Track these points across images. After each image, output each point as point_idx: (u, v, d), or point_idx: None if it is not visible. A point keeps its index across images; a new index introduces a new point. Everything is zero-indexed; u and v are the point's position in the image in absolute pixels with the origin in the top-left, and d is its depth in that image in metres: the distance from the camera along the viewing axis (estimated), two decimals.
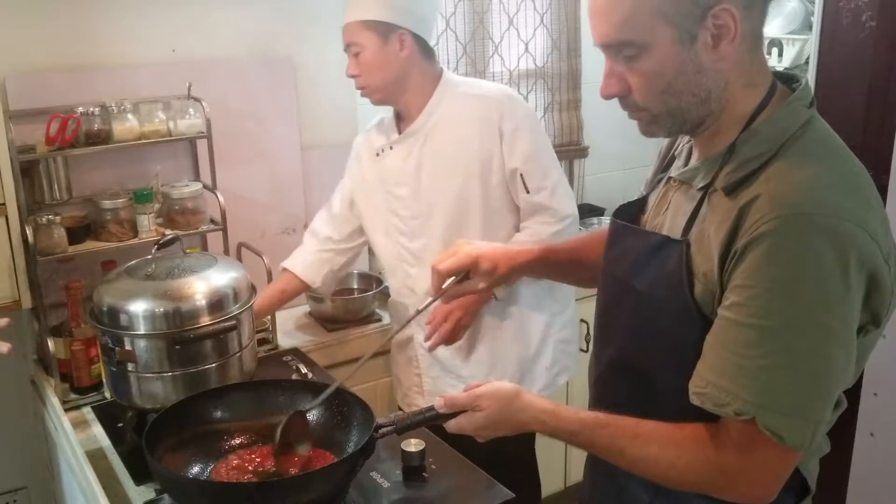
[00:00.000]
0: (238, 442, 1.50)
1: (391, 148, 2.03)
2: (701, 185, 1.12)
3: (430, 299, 1.42)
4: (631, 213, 1.29)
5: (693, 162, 1.17)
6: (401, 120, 2.04)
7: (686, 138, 1.23)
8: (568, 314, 2.16)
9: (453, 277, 1.41)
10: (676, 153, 1.27)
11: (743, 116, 1.08)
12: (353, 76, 1.97)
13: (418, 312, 1.44)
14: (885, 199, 2.07)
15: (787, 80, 1.13)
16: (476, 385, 1.25)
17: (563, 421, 1.18)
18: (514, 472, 1.81)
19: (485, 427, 1.23)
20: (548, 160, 2.00)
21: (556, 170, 2.01)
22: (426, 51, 1.99)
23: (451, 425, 1.26)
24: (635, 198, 1.35)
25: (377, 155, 2.07)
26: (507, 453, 1.84)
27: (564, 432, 1.19)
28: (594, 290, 1.34)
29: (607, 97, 1.12)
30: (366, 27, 1.90)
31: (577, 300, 2.75)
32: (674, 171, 1.22)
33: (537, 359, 2.08)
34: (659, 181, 1.28)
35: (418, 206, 2.00)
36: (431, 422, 1.29)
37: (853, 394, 2.23)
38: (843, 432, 2.26)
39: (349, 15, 1.93)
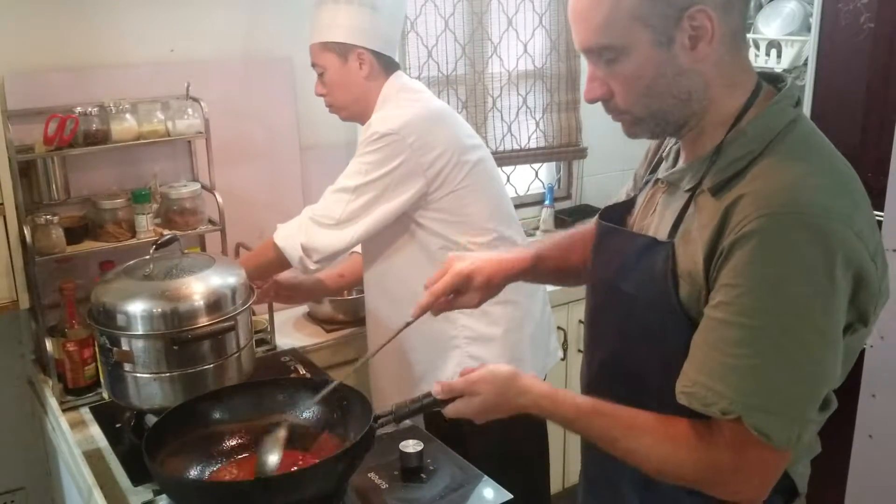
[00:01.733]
0: (238, 442, 1.50)
1: None
2: (689, 186, 1.12)
3: (414, 317, 1.39)
4: (617, 214, 1.30)
5: (680, 164, 1.18)
6: None
7: (673, 139, 1.24)
8: (492, 332, 2.00)
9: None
10: (664, 155, 1.27)
11: (728, 117, 1.09)
12: (319, 95, 2.04)
13: (407, 325, 1.40)
14: (883, 201, 2.07)
15: (773, 79, 1.13)
16: (472, 370, 1.25)
17: (561, 406, 1.18)
18: (523, 473, 1.81)
19: (483, 411, 1.23)
20: (350, 174, 1.90)
21: (350, 191, 1.89)
22: (388, 67, 2.01)
23: (450, 410, 1.25)
24: (622, 199, 1.35)
25: None
26: (517, 454, 1.84)
27: (561, 417, 1.19)
28: (581, 295, 1.34)
29: (591, 101, 1.13)
30: (325, 48, 1.97)
31: (565, 304, 2.78)
32: (661, 173, 1.22)
33: (440, 366, 2.00)
34: (647, 182, 1.28)
35: None
36: (430, 408, 1.28)
37: (851, 395, 2.23)
38: (842, 434, 2.26)
39: (311, 37, 1.99)
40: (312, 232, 1.91)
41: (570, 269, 1.49)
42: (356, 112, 2.04)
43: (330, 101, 2.04)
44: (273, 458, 1.35)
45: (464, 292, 1.39)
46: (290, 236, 1.92)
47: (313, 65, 2.02)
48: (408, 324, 1.40)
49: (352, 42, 1.94)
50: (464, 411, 1.24)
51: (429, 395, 1.27)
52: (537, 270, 1.47)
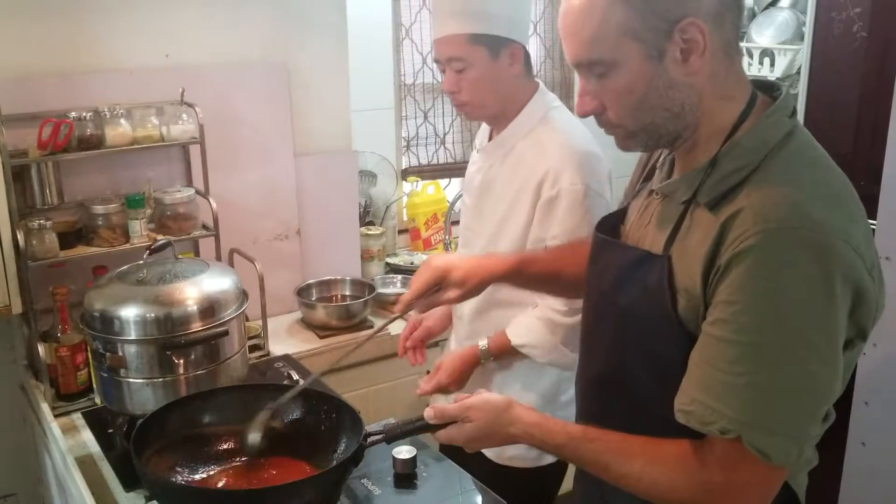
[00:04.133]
0: (227, 447, 1.49)
1: (478, 152, 1.91)
2: (683, 199, 1.11)
3: (399, 312, 1.42)
4: (611, 223, 1.29)
5: (675, 175, 1.17)
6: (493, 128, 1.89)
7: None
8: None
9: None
10: (658, 164, 1.26)
11: (722, 129, 1.08)
12: (450, 92, 1.78)
13: (392, 320, 1.44)
14: (876, 209, 2.08)
15: (768, 88, 1.13)
16: (466, 396, 1.26)
17: (551, 434, 1.18)
18: (517, 480, 1.79)
19: (474, 438, 1.24)
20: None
21: None
22: (529, 64, 1.81)
23: (442, 436, 1.26)
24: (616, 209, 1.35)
25: (475, 150, 1.94)
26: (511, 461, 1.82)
27: (553, 446, 1.19)
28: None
29: (582, 115, 1.13)
30: (474, 41, 1.69)
31: None
32: (655, 184, 1.21)
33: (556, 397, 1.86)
34: (640, 190, 1.28)
35: (473, 220, 1.89)
36: (421, 431, 1.30)
37: (844, 403, 2.23)
38: (835, 441, 2.26)
39: (453, 26, 1.70)
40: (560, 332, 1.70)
41: (562, 276, 1.48)
42: (494, 113, 1.80)
43: (466, 99, 1.76)
44: (255, 437, 1.38)
45: (444, 288, 1.41)
46: (543, 345, 1.71)
47: (449, 59, 1.73)
48: (393, 319, 1.44)
49: (508, 35, 1.71)
50: (455, 438, 1.25)
51: (421, 418, 1.28)
52: (523, 274, 1.47)
